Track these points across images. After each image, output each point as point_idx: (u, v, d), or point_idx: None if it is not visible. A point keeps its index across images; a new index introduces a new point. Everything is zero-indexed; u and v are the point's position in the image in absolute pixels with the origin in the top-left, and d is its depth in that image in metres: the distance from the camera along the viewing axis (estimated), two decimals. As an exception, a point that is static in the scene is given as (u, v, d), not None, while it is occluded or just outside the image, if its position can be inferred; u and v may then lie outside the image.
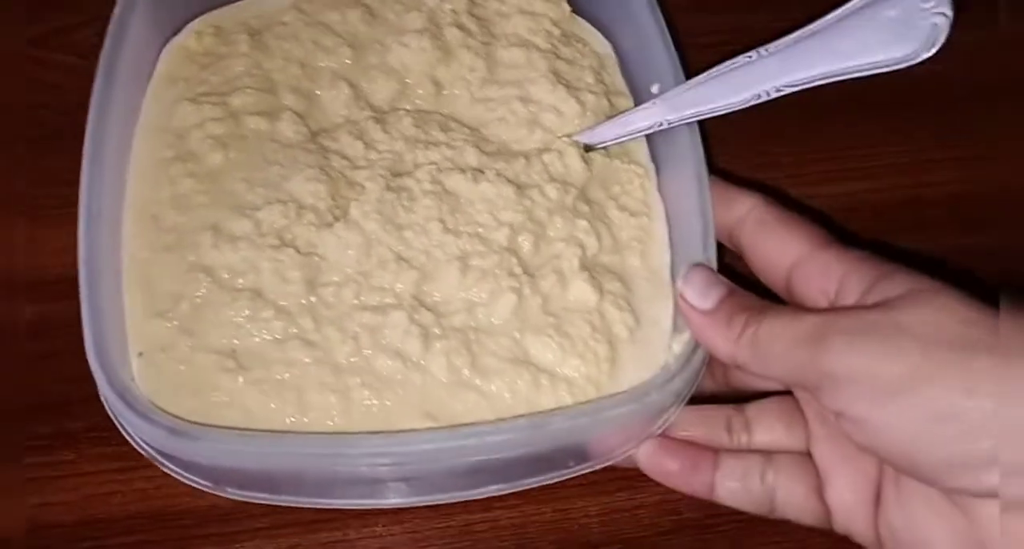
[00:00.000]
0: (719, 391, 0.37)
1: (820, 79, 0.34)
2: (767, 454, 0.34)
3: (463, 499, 0.32)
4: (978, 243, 0.45)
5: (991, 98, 0.48)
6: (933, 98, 0.48)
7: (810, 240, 0.33)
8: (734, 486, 0.33)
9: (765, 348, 0.30)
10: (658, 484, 0.36)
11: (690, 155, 0.36)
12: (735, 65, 0.36)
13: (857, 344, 0.28)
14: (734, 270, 0.35)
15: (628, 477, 0.38)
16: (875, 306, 0.29)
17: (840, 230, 0.38)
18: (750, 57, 0.35)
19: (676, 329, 0.35)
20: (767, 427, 0.34)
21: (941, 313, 0.28)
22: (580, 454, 0.33)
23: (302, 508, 0.36)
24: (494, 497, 0.37)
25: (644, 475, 0.37)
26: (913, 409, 0.27)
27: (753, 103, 0.35)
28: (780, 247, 0.33)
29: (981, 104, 0.48)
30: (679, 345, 0.33)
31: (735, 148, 0.44)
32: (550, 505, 0.38)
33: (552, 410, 0.33)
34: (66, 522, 0.36)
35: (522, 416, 0.32)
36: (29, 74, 0.45)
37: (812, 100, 0.47)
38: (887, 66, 0.33)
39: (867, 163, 0.47)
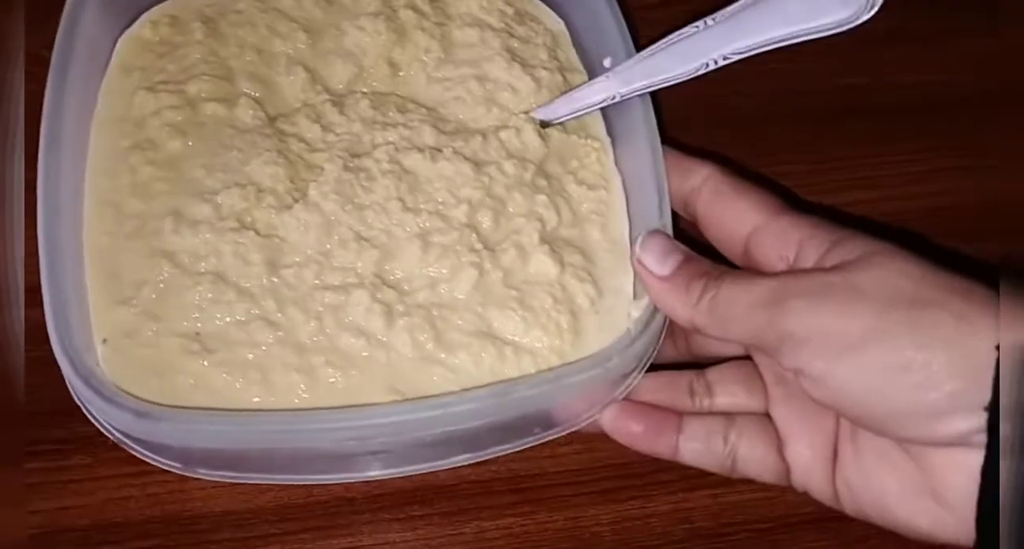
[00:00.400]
0: (680, 359, 0.37)
1: (766, 45, 0.35)
2: (729, 416, 0.34)
3: (432, 469, 0.33)
4: (991, 253, 0.44)
5: (1000, 105, 0.47)
6: (944, 105, 0.48)
7: (766, 207, 0.34)
8: (698, 447, 0.34)
9: (724, 312, 0.31)
10: (671, 493, 0.37)
11: (643, 127, 0.37)
12: (683, 35, 0.36)
13: (815, 305, 0.29)
14: (689, 236, 0.36)
15: (640, 486, 0.39)
16: (832, 269, 0.30)
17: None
18: (697, 27, 0.36)
19: (636, 297, 0.35)
20: (727, 390, 0.35)
21: (894, 274, 0.29)
22: (546, 421, 0.33)
23: (315, 514, 0.37)
24: (507, 504, 0.38)
25: (656, 484, 0.38)
26: (869, 364, 0.28)
27: (702, 72, 0.36)
28: (737, 215, 0.34)
29: (991, 111, 0.47)
30: (638, 310, 0.34)
31: (746, 157, 0.44)
32: (562, 513, 0.39)
33: (515, 378, 0.33)
34: (81, 526, 0.37)
35: (484, 386, 0.33)
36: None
37: (823, 107, 0.48)
38: (830, 29, 0.33)
39: (877, 172, 0.47)
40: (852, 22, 0.33)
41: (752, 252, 0.33)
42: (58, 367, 0.31)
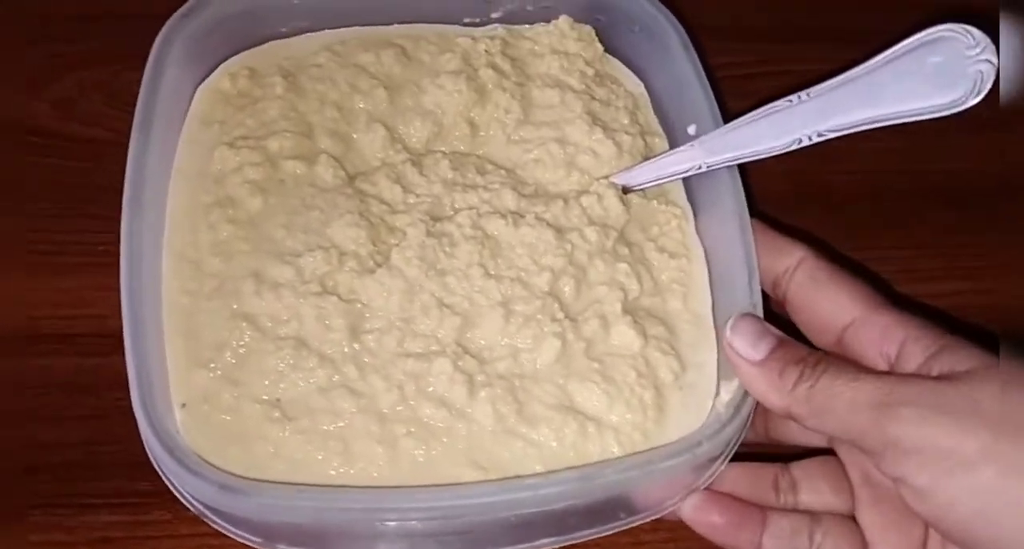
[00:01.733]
0: (757, 441, 0.37)
1: (862, 124, 0.34)
2: (814, 515, 0.34)
3: (515, 553, 0.32)
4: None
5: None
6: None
7: (866, 300, 0.33)
8: (782, 545, 0.33)
9: (823, 404, 0.30)
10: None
11: (730, 198, 0.36)
12: (775, 109, 0.36)
13: (927, 416, 0.28)
14: (781, 317, 0.35)
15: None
16: (943, 378, 0.29)
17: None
18: (790, 101, 0.35)
19: (722, 376, 0.35)
20: (813, 487, 0.34)
21: (1012, 392, 0.28)
22: (630, 506, 0.32)
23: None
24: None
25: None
26: (980, 486, 0.27)
27: (795, 148, 0.35)
28: (833, 305, 0.33)
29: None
30: (728, 393, 0.33)
31: (837, 237, 0.43)
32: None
33: (602, 461, 0.32)
34: None
35: (573, 468, 0.32)
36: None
37: (922, 189, 0.46)
38: (932, 113, 0.33)
39: (975, 262, 0.46)
40: (957, 107, 0.32)
41: (848, 344, 0.33)
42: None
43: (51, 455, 0.37)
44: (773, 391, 0.31)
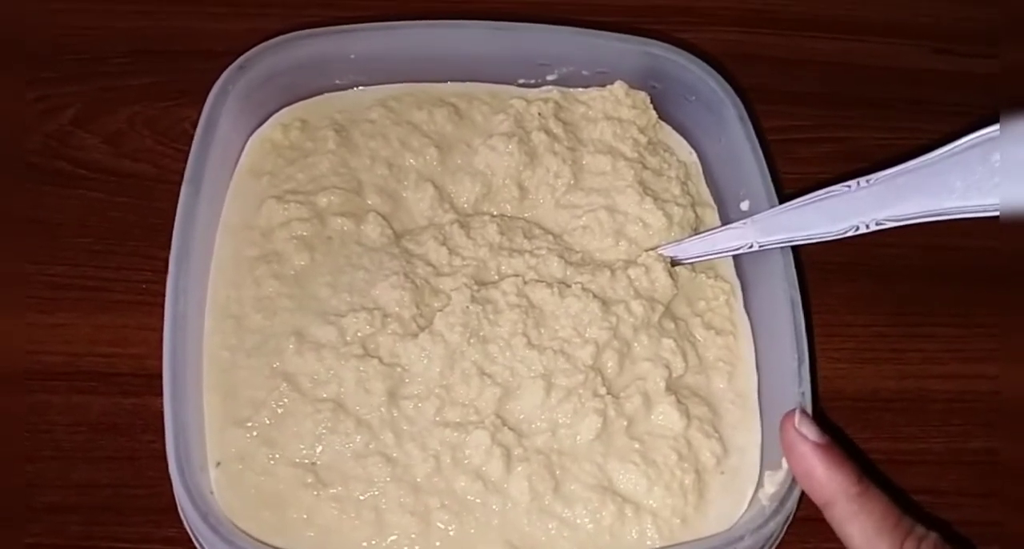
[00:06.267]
0: None
1: (923, 216, 0.33)
2: None
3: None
4: None
5: None
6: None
7: None
8: None
9: None
10: None
11: (782, 278, 0.36)
12: (832, 193, 0.35)
13: None
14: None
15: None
16: None
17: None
18: (848, 186, 0.35)
19: (767, 465, 0.34)
20: None
21: None
22: (666, 596, 0.32)
23: None
24: None
25: None
26: None
27: (850, 235, 0.34)
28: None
29: None
30: (772, 485, 0.32)
31: (889, 314, 0.42)
32: None
33: (640, 550, 0.32)
34: None
35: (610, 555, 0.31)
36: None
37: (977, 267, 0.45)
38: (995, 210, 0.32)
39: None
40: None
41: None
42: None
43: (81, 495, 0.37)
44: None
